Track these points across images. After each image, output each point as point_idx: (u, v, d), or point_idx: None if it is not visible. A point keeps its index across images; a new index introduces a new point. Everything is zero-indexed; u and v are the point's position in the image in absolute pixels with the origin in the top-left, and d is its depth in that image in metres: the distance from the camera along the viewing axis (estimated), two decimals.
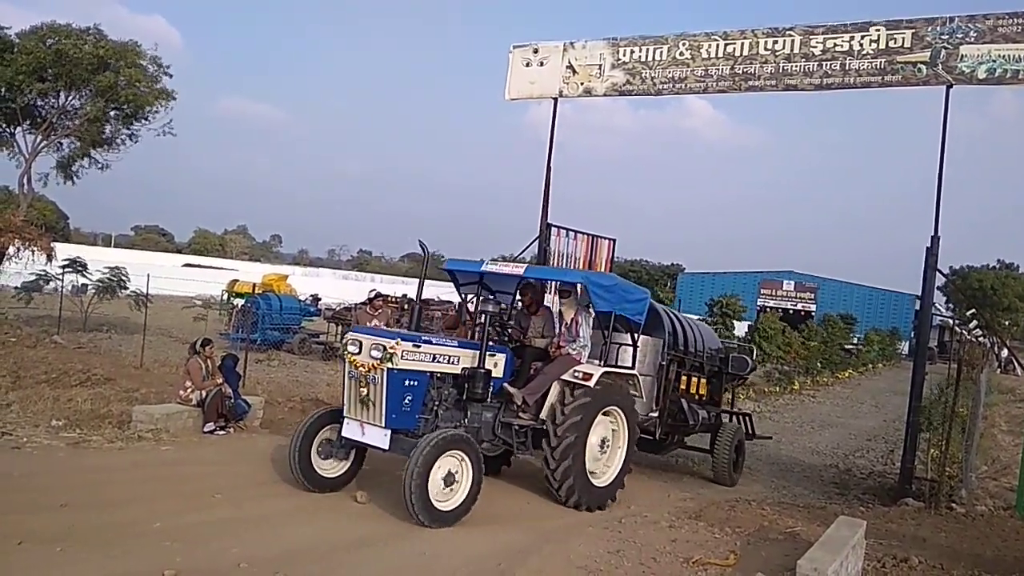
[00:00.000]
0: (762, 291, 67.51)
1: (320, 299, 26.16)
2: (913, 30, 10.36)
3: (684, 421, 10.32)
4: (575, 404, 7.69)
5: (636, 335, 8.76)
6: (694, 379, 10.71)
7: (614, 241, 13.52)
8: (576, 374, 7.86)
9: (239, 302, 24.05)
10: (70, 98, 17.27)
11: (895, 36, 10.50)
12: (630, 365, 8.82)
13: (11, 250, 14.48)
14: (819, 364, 31.99)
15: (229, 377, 9.77)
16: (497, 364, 7.74)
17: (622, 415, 8.33)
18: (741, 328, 26.41)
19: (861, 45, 10.69)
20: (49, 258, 15.28)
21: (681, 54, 11.89)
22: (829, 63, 10.89)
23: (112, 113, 17.82)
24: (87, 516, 5.90)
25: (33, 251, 14.77)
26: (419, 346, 7.05)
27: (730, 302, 21.49)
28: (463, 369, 7.42)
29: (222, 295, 28.70)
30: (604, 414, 8.12)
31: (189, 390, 9.37)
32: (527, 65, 13.12)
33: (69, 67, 16.07)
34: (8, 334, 13.37)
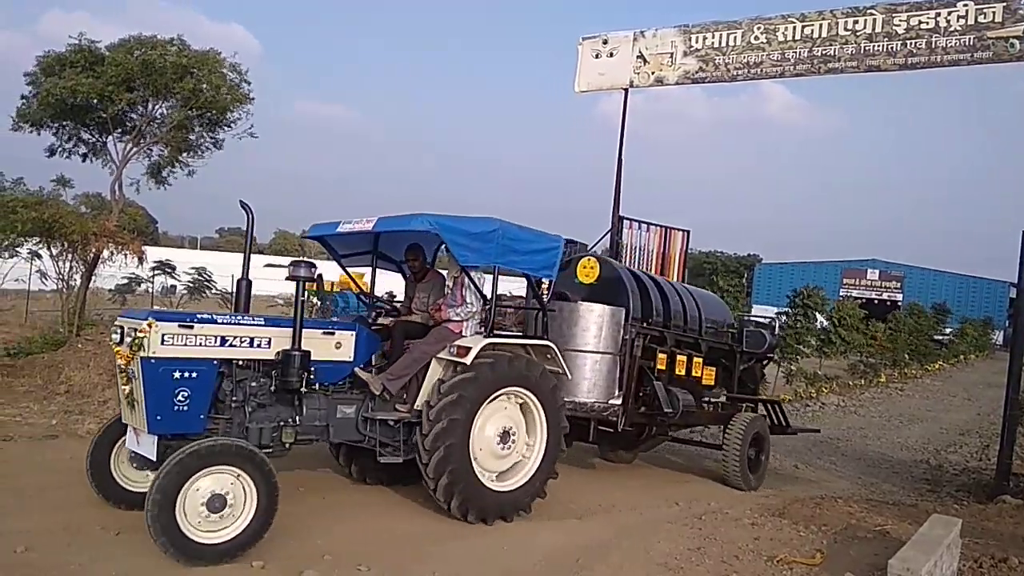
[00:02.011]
0: (844, 281, 65.41)
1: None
2: (1004, 3, 9.84)
3: (659, 409, 8.40)
4: (449, 387, 6.20)
5: (543, 299, 7.27)
6: (680, 358, 8.78)
7: (688, 233, 13.30)
8: (451, 350, 6.42)
9: (318, 301, 24.63)
10: (157, 106, 17.97)
11: (984, 11, 9.98)
12: (584, 339, 7.77)
13: (105, 253, 15.17)
14: (906, 356, 30.81)
15: None
16: (342, 344, 6.27)
17: (534, 399, 6.74)
18: (822, 320, 25.64)
19: (948, 22, 10.21)
20: (140, 261, 15.94)
21: (756, 38, 11.60)
22: (914, 41, 10.45)
23: (196, 120, 18.46)
24: None
25: (125, 254, 15.43)
26: (191, 326, 5.45)
27: (812, 293, 20.77)
28: (279, 353, 5.84)
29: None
30: (503, 398, 6.62)
31: None
32: (596, 56, 13.01)
33: (155, 76, 16.70)
34: (104, 334, 14.01)
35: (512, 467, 6.76)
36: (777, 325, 11.93)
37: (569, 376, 7.37)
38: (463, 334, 6.60)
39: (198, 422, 5.51)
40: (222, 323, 5.67)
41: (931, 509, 8.36)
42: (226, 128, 18.64)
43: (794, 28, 11.33)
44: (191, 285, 20.27)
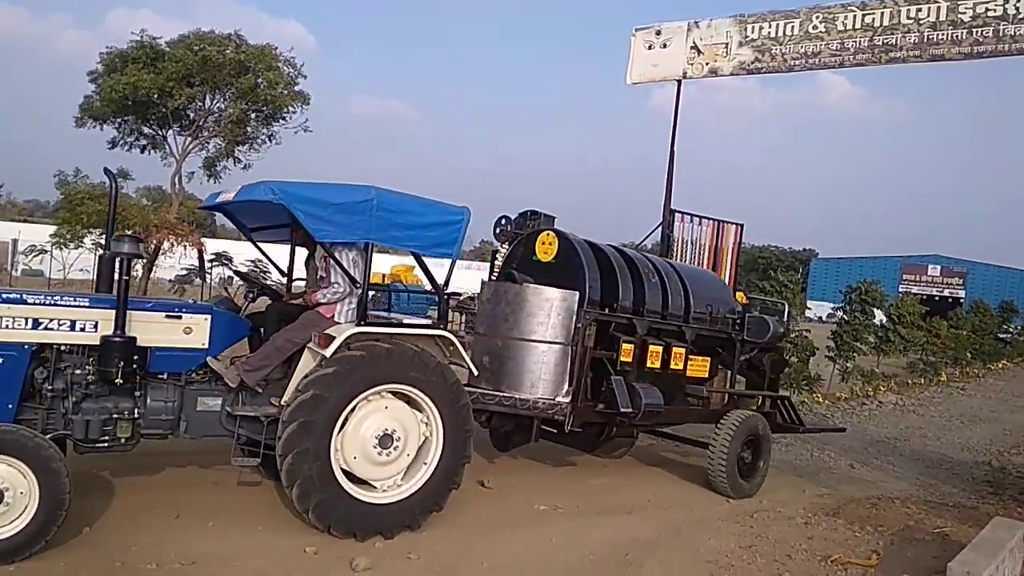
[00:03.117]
0: (904, 277, 63.79)
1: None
2: None
3: (616, 407, 7.21)
4: (305, 384, 5.39)
5: (442, 279, 6.27)
6: (654, 348, 7.61)
7: (741, 226, 13.12)
8: (315, 339, 5.61)
9: (370, 293, 24.99)
10: (215, 101, 18.40)
11: None
12: (529, 326, 6.90)
13: (165, 245, 15.63)
14: (969, 354, 29.89)
15: None
16: (192, 329, 5.53)
17: (426, 398, 5.80)
18: (879, 315, 25.00)
19: (1017, 8, 9.86)
20: (199, 252, 16.40)
21: (814, 27, 11.35)
22: (980, 29, 10.09)
23: (252, 115, 18.86)
24: (237, 494, 6.29)
25: (185, 246, 15.89)
26: None
27: (868, 288, 20.22)
28: (104, 338, 5.16)
29: None
30: (384, 395, 5.68)
31: None
32: (649, 48, 12.89)
33: (213, 72, 17.12)
34: None
35: (399, 476, 5.80)
36: (786, 312, 10.78)
37: (475, 371, 6.47)
38: (336, 320, 5.82)
39: (5, 412, 4.96)
40: (33, 303, 5.06)
41: (993, 512, 8.10)
42: (281, 121, 19.04)
43: (854, 17, 11.05)
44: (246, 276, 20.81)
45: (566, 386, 7.13)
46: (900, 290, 57.03)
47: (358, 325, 5.63)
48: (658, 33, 12.86)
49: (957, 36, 10.27)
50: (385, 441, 5.62)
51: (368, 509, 5.59)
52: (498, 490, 7.28)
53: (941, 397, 21.01)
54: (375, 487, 5.69)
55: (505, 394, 7.04)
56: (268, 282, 6.71)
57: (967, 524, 7.25)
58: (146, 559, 4.81)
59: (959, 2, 10.26)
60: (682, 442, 9.33)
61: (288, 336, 5.72)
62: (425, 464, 5.85)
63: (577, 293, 7.21)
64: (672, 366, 7.79)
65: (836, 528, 7.03)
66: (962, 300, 57.05)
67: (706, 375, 8.52)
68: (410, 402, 5.81)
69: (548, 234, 7.94)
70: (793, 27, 11.58)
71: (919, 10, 10.55)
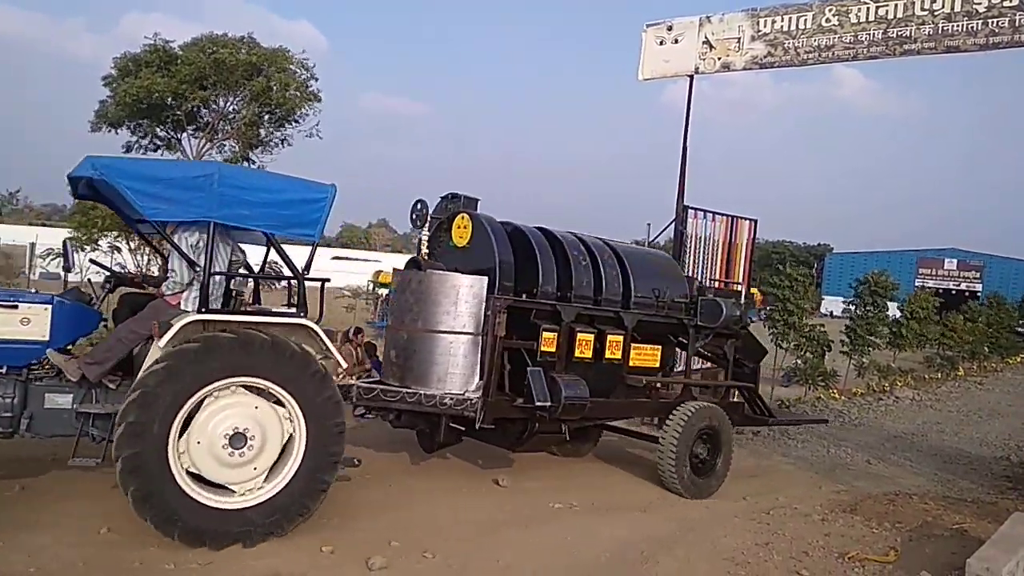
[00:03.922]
0: (920, 271, 63.29)
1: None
2: None
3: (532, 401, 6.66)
4: (138, 380, 4.90)
5: (301, 266, 5.65)
6: (584, 337, 7.10)
7: (755, 222, 13.03)
8: (154, 328, 5.08)
9: (384, 292, 25.12)
10: (228, 103, 18.49)
11: None
12: (435, 316, 6.46)
13: None
14: (986, 348, 29.63)
15: (375, 363, 10.23)
16: (31, 320, 5.15)
17: (285, 392, 5.26)
18: (893, 309, 24.66)
19: None
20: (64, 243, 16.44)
21: (827, 20, 11.26)
22: (996, 20, 9.97)
23: (265, 117, 18.93)
24: None
25: None
26: None
27: (879, 280, 20.00)
28: None
29: (368, 285, 30.09)
30: (236, 390, 5.17)
31: (341, 376, 9.86)
32: (661, 43, 12.83)
33: (226, 74, 17.19)
34: None
35: (259, 478, 5.27)
36: (743, 293, 10.31)
37: (343, 363, 5.82)
38: (184, 308, 5.36)
39: None
40: None
41: (1012, 507, 8.03)
42: (294, 124, 19.10)
43: (868, 9, 10.96)
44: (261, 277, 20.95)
45: (476, 380, 6.64)
46: (916, 284, 56.61)
47: (198, 313, 5.18)
48: (669, 28, 12.80)
49: (972, 27, 10.16)
50: (237, 440, 5.11)
51: (221, 515, 5.10)
52: (512, 488, 7.29)
53: (958, 392, 20.85)
54: (232, 491, 5.18)
55: (409, 390, 6.60)
56: (121, 270, 6.18)
57: (986, 520, 7.19)
58: (164, 559, 4.84)
59: None
60: (635, 437, 8.92)
61: (131, 327, 5.33)
62: (286, 465, 5.33)
63: (485, 278, 6.72)
64: (608, 355, 7.30)
65: (853, 525, 6.98)
66: (979, 294, 56.52)
67: (656, 365, 8.06)
68: (271, 398, 5.33)
69: (463, 217, 7.43)
70: (806, 20, 11.51)
71: (933, 1, 10.44)
